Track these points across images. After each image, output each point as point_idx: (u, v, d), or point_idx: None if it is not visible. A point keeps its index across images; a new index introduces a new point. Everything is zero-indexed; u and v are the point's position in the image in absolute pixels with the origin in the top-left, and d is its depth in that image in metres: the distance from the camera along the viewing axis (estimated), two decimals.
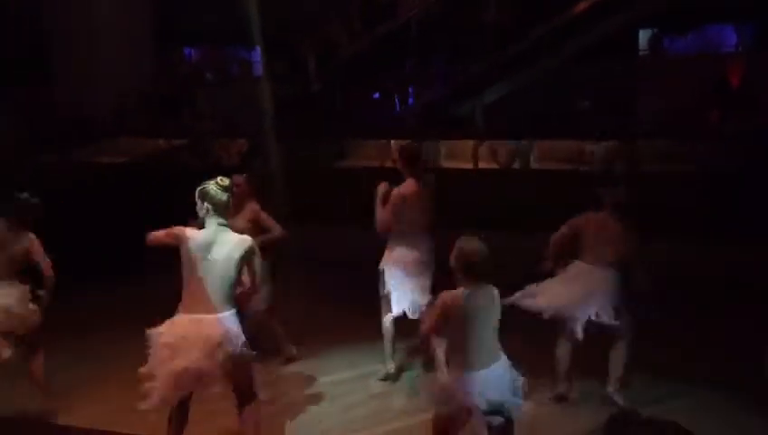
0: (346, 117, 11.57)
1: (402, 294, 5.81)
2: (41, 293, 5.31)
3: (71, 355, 6.37)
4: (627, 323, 5.41)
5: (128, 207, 8.87)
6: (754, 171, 8.35)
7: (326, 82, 12.07)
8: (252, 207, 6.07)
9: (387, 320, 5.92)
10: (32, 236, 5.32)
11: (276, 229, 6.07)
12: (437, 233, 5.76)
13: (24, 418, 5.48)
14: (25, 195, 5.37)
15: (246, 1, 10.50)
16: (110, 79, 12.21)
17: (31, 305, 5.29)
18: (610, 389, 5.49)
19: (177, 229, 4.41)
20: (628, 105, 10.87)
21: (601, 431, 2.27)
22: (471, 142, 10.11)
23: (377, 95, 12.46)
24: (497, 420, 4.04)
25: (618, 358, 5.48)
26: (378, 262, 5.88)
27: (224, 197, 4.43)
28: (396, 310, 5.84)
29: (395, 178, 5.87)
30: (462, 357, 4.02)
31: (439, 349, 4.48)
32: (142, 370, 4.33)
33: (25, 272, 5.39)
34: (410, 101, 12.15)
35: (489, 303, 4.07)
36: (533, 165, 9.88)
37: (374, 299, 5.95)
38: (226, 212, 4.48)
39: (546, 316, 5.31)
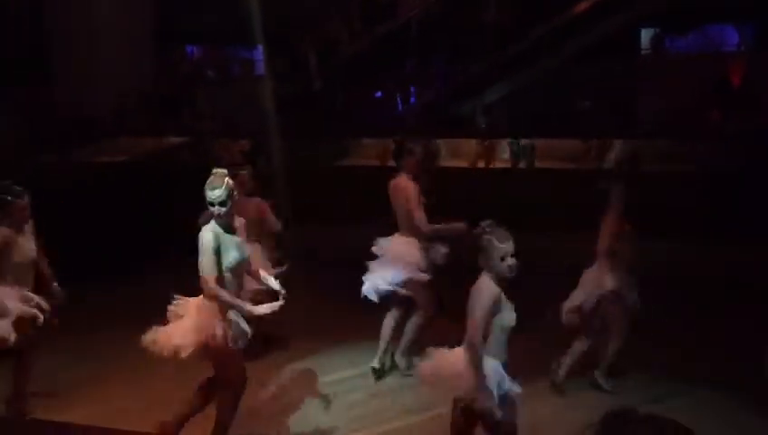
0: (347, 116, 11.57)
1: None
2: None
3: (71, 355, 6.36)
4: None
5: (128, 207, 8.88)
6: (755, 171, 8.35)
7: (327, 79, 12.06)
8: (256, 202, 6.18)
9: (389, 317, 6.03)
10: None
11: (276, 224, 6.25)
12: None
13: (24, 417, 5.47)
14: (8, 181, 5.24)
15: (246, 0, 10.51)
16: (110, 79, 12.18)
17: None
18: (597, 372, 5.69)
19: None
20: (629, 105, 10.86)
21: (600, 429, 2.25)
22: (472, 141, 10.09)
23: (379, 94, 12.46)
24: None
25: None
26: None
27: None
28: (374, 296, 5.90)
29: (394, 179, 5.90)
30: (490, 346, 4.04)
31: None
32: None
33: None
34: (413, 100, 12.15)
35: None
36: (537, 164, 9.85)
37: None
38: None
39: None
